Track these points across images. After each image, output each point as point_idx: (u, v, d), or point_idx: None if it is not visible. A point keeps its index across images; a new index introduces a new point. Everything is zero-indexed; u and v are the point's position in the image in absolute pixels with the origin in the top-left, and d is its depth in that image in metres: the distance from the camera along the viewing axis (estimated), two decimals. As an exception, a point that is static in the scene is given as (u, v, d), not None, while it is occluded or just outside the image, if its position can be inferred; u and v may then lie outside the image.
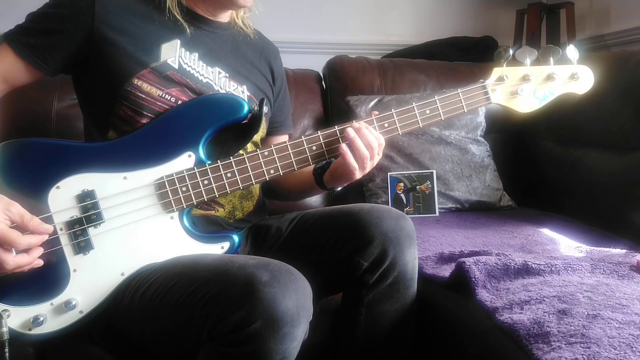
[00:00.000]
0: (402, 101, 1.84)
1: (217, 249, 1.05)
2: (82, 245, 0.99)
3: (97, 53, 1.04)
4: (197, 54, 1.12)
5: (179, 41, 1.10)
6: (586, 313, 0.91)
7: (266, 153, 1.05)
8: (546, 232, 1.50)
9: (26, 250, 0.92)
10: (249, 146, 1.16)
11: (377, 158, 1.07)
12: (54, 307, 0.97)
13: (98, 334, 1.03)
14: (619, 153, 1.62)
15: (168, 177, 1.02)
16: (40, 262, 0.95)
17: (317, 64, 2.07)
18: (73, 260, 0.99)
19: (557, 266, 1.11)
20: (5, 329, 0.93)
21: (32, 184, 0.99)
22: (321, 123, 1.89)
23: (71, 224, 0.99)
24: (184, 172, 1.03)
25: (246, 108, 1.07)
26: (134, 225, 1.01)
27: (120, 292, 0.99)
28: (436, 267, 1.27)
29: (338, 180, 1.13)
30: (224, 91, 1.14)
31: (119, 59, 1.04)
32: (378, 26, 2.61)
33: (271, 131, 1.31)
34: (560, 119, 1.83)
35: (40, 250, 0.95)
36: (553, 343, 0.85)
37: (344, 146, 1.04)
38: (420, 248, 1.34)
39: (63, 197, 0.99)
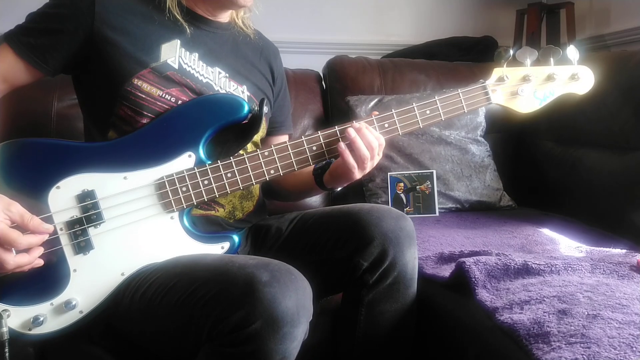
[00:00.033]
0: (402, 101, 1.84)
1: (217, 249, 1.05)
2: (82, 245, 0.99)
3: (97, 53, 1.04)
4: (197, 54, 1.12)
5: (179, 41, 1.10)
6: (586, 313, 0.91)
7: (266, 153, 1.05)
8: (546, 232, 1.50)
9: (26, 250, 0.92)
10: (249, 146, 1.16)
11: (378, 158, 1.07)
12: (54, 307, 0.97)
13: (98, 334, 1.03)
14: (619, 153, 1.62)
15: (168, 177, 1.02)
16: (41, 262, 0.95)
17: (317, 64, 2.07)
18: (73, 260, 0.99)
19: (557, 266, 1.11)
20: (5, 329, 0.93)
21: (32, 184, 0.99)
22: (321, 123, 1.89)
23: (71, 224, 0.99)
24: (184, 172, 1.03)
25: (246, 108, 1.07)
26: (134, 225, 1.01)
27: (120, 292, 1.00)
28: (436, 267, 1.27)
29: (338, 180, 1.13)
30: (224, 91, 1.14)
31: (119, 59, 1.04)
32: (378, 26, 2.61)
33: (271, 131, 1.31)
34: (561, 119, 1.83)
35: (41, 250, 0.95)
36: (553, 343, 0.85)
37: (342, 144, 1.04)
38: (420, 248, 1.34)
39: (63, 197, 0.99)
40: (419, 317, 1.16)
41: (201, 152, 1.04)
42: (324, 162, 1.13)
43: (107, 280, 1.00)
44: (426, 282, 1.20)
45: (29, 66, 1.04)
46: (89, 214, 1.00)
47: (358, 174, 1.07)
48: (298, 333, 0.86)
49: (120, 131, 1.06)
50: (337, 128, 1.07)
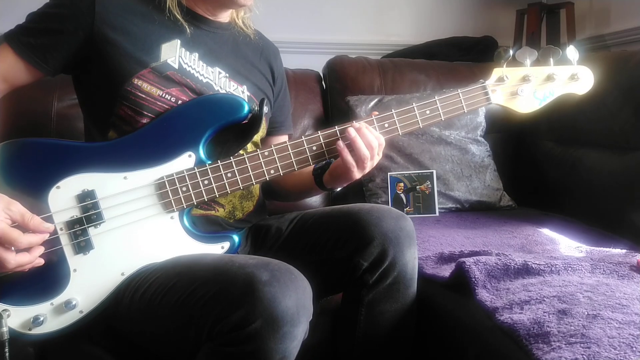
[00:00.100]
0: (402, 101, 1.84)
1: (217, 249, 1.05)
2: (82, 245, 0.99)
3: (97, 53, 1.04)
4: (197, 54, 1.12)
5: (179, 41, 1.10)
6: (586, 313, 0.91)
7: (266, 153, 1.05)
8: (546, 232, 1.50)
9: (27, 250, 0.92)
10: (249, 146, 1.16)
11: (377, 158, 1.07)
12: (54, 307, 0.98)
13: (98, 334, 1.03)
14: (619, 153, 1.62)
15: (168, 177, 1.02)
16: (41, 261, 0.95)
17: (317, 64, 2.07)
18: (73, 260, 0.99)
19: (557, 266, 1.12)
20: (5, 329, 0.93)
21: (33, 183, 0.99)
22: (321, 123, 1.89)
23: (71, 224, 0.99)
24: (184, 172, 1.03)
25: (246, 108, 1.07)
26: (134, 225, 1.01)
27: (120, 292, 1.00)
28: (436, 267, 1.27)
29: (337, 180, 1.13)
30: (224, 91, 1.14)
31: (119, 59, 1.04)
32: (378, 26, 2.61)
33: (271, 131, 1.31)
34: (561, 119, 1.83)
35: (41, 249, 0.95)
36: (553, 343, 0.85)
37: (340, 143, 1.04)
38: (420, 248, 1.34)
39: (63, 197, 0.99)
40: (419, 317, 1.16)
41: (201, 152, 1.04)
42: (323, 162, 1.13)
43: (107, 280, 1.00)
44: (426, 282, 1.21)
45: (29, 66, 1.05)
46: (89, 213, 1.00)
47: (357, 174, 1.07)
48: (298, 332, 0.86)
49: (120, 131, 1.06)
50: (337, 128, 1.07)
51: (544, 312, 0.93)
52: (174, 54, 1.09)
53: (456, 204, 1.80)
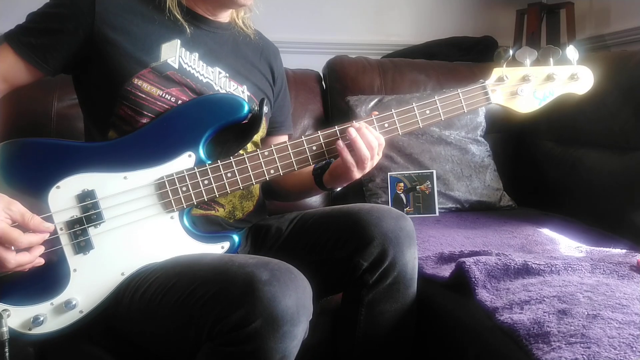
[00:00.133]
0: (402, 101, 1.84)
1: (217, 249, 1.05)
2: (82, 245, 0.99)
3: (98, 53, 1.04)
4: (197, 54, 1.12)
5: (179, 41, 1.10)
6: (586, 313, 0.91)
7: (266, 153, 1.05)
8: (546, 232, 1.50)
9: (27, 249, 0.92)
10: (249, 146, 1.16)
11: (377, 158, 1.07)
12: (54, 306, 0.98)
13: (98, 334, 1.03)
14: (619, 153, 1.62)
15: (168, 177, 1.02)
16: (41, 261, 0.95)
17: (317, 64, 2.07)
18: (73, 260, 0.99)
19: (557, 266, 1.12)
20: (5, 329, 0.93)
21: (33, 183, 0.99)
22: (321, 123, 1.89)
23: (71, 224, 0.99)
24: (184, 172, 1.03)
25: (246, 108, 1.07)
26: (134, 225, 1.01)
27: (120, 292, 1.00)
28: (436, 267, 1.27)
29: (337, 180, 1.13)
30: (224, 91, 1.14)
31: (119, 59, 1.04)
32: (378, 26, 2.61)
33: (271, 131, 1.31)
34: (560, 119, 1.83)
35: (42, 249, 0.95)
36: (553, 343, 0.85)
37: (340, 142, 1.04)
38: (420, 248, 1.34)
39: (63, 196, 0.99)
40: (419, 317, 1.16)
41: (201, 152, 1.04)
42: (323, 162, 1.13)
43: (107, 280, 1.00)
44: (426, 282, 1.20)
45: (29, 66, 1.05)
46: (89, 213, 1.00)
47: (357, 174, 1.07)
48: (298, 332, 0.86)
49: (121, 131, 1.06)
50: (337, 128, 1.07)
51: (544, 312, 0.93)
52: (174, 53, 1.09)
53: (456, 204, 1.80)
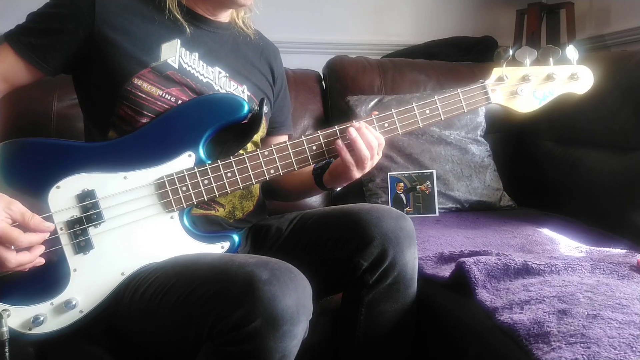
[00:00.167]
0: (402, 101, 1.84)
1: (217, 249, 1.05)
2: (82, 245, 0.99)
3: (98, 53, 1.04)
4: (197, 54, 1.12)
5: (179, 41, 1.10)
6: (586, 313, 0.91)
7: (266, 153, 1.05)
8: (546, 232, 1.50)
9: (28, 249, 0.92)
10: (249, 146, 1.16)
11: (377, 158, 1.07)
12: (54, 306, 0.98)
13: (98, 334, 1.03)
14: (619, 153, 1.62)
15: (168, 177, 1.02)
16: (42, 260, 0.95)
17: (317, 64, 2.07)
18: (73, 260, 0.99)
19: (557, 266, 1.12)
20: (5, 329, 0.93)
21: (33, 183, 0.99)
22: (321, 123, 1.89)
23: (71, 224, 0.99)
24: (184, 171, 1.03)
25: (246, 108, 1.07)
26: (134, 224, 1.01)
27: (120, 292, 1.00)
28: (436, 267, 1.27)
29: (337, 179, 1.13)
30: (224, 91, 1.14)
31: (119, 59, 1.04)
32: (378, 26, 2.61)
33: (271, 131, 1.31)
34: (560, 119, 1.83)
35: (42, 249, 0.95)
36: (553, 343, 0.85)
37: (339, 142, 1.04)
38: (420, 248, 1.34)
39: (63, 196, 0.99)
40: (419, 317, 1.16)
41: (201, 152, 1.04)
42: (323, 162, 1.13)
43: (107, 279, 1.00)
44: (426, 282, 1.20)
45: (30, 66, 1.05)
46: (89, 213, 1.00)
47: (357, 173, 1.07)
48: (298, 331, 0.86)
49: (120, 131, 1.06)
50: (337, 128, 1.07)
51: (544, 312, 0.93)
52: (174, 53, 1.09)
53: (456, 204, 1.80)
